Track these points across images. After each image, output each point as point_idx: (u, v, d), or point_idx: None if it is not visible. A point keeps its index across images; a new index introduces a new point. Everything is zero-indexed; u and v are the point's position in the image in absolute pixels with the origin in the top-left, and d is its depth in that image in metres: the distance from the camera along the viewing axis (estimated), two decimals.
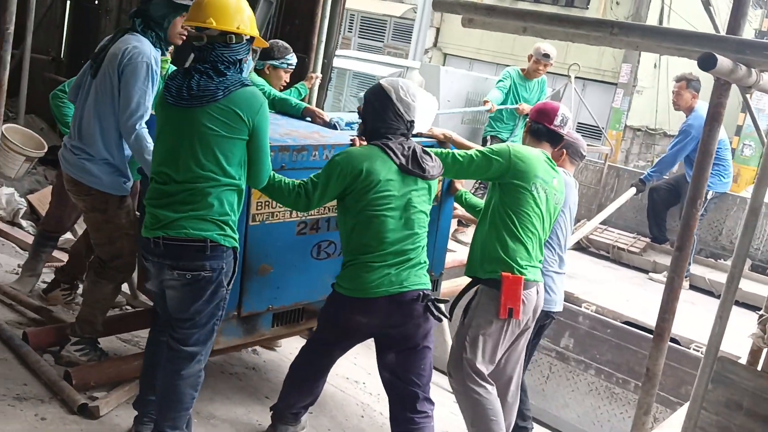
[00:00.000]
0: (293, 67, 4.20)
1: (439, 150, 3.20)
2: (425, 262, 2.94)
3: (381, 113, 2.87)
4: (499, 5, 5.20)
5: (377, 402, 4.13)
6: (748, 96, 3.29)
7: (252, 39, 2.71)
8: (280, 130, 3.22)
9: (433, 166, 2.91)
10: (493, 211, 3.25)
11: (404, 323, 2.84)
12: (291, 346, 4.14)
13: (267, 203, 2.99)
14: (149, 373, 2.84)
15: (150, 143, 2.95)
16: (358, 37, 19.48)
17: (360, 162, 2.76)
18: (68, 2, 7.91)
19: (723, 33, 2.92)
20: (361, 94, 4.12)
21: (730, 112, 11.66)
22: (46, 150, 6.24)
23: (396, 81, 2.96)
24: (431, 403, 2.97)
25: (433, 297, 2.86)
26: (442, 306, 2.90)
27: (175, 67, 3.10)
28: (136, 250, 3.25)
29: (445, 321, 3.46)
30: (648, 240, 6.55)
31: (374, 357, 4.90)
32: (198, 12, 2.60)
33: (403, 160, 2.81)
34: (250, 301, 3.07)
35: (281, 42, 4.13)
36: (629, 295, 5.34)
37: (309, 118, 3.66)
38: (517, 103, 5.94)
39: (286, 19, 5.83)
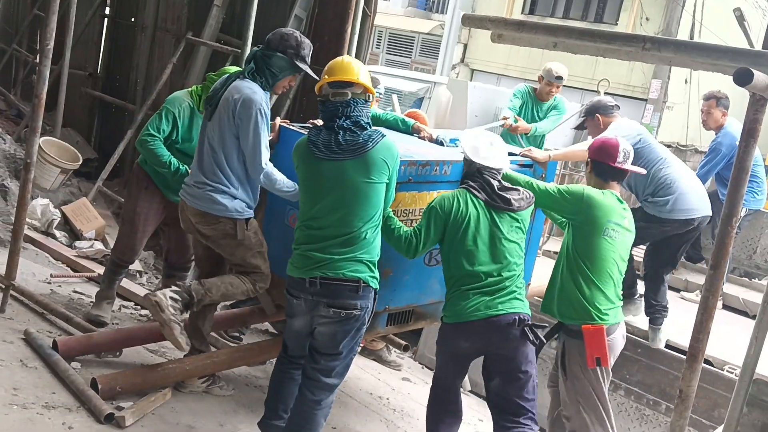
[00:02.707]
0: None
1: (523, 178, 3.40)
2: (521, 289, 3.12)
3: (464, 161, 3.25)
4: (529, 20, 5.11)
5: (401, 419, 4.10)
6: None
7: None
8: (401, 146, 3.45)
9: (520, 198, 3.15)
10: (568, 254, 3.35)
11: (503, 346, 3.04)
12: None
13: (393, 212, 3.22)
14: (274, 398, 3.05)
15: (279, 176, 3.14)
16: (386, 53, 19.60)
17: (450, 203, 3.06)
18: (105, 20, 8.10)
19: (758, 48, 2.86)
20: (389, 109, 4.29)
21: (765, 128, 11.46)
22: (80, 162, 6.38)
23: (467, 132, 3.32)
24: (535, 422, 3.09)
25: (530, 322, 3.05)
26: (538, 331, 3.07)
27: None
28: (269, 264, 3.35)
29: None
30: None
31: (397, 373, 4.91)
32: (345, 70, 2.86)
33: (487, 197, 3.08)
34: None
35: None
36: None
37: (416, 135, 3.92)
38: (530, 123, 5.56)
39: (316, 35, 5.88)
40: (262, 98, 3.11)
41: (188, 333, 3.38)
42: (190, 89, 3.94)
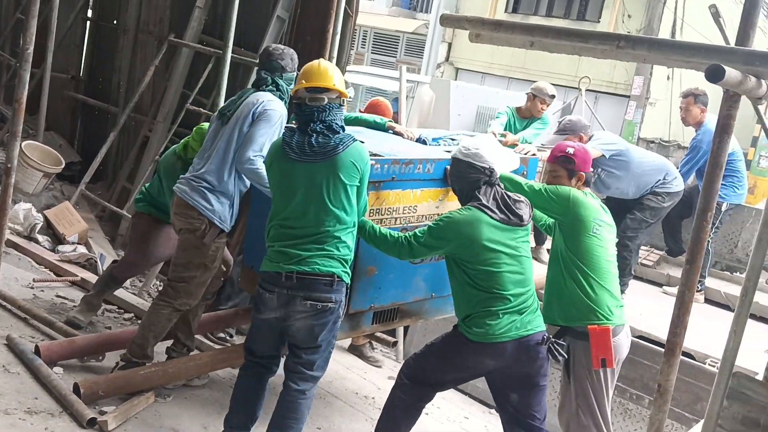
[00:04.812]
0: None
1: (509, 177, 3.42)
2: (538, 302, 3.12)
3: (461, 175, 3.14)
4: (507, 20, 5.14)
5: None
6: (761, 106, 3.25)
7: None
8: (385, 145, 3.52)
9: (527, 211, 3.12)
10: (563, 257, 3.33)
11: (529, 364, 3.03)
12: None
13: (377, 210, 3.28)
14: (241, 404, 3.03)
15: (263, 171, 3.17)
16: (371, 52, 19.61)
17: (462, 227, 2.99)
18: (88, 22, 8.05)
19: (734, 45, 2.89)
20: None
21: (747, 124, 11.58)
22: (63, 166, 6.34)
23: (459, 145, 3.24)
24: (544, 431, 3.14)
25: (553, 338, 3.09)
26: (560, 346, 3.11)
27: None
28: (204, 285, 3.45)
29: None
30: (661, 253, 6.48)
31: (382, 372, 4.92)
32: (321, 76, 2.91)
33: (502, 215, 3.02)
34: (357, 300, 3.30)
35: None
36: (642, 309, 5.26)
37: (392, 132, 3.97)
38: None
39: (298, 35, 5.87)
40: (285, 111, 3.33)
41: (175, 326, 3.56)
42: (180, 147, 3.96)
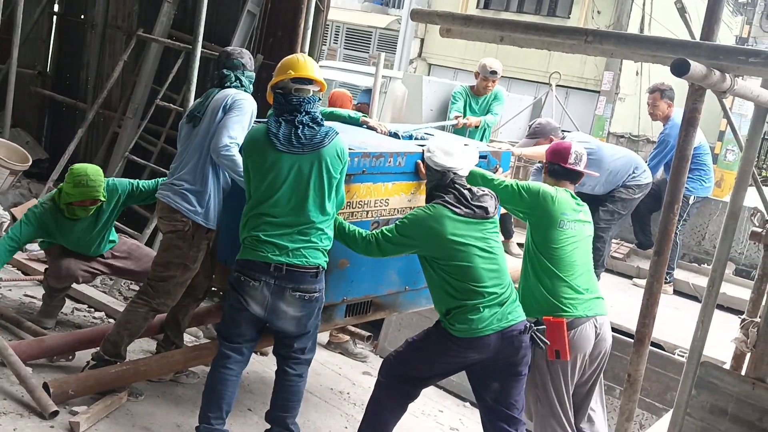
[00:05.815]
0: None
1: (480, 173, 3.46)
2: (516, 292, 3.16)
3: (426, 175, 3.26)
4: (477, 15, 5.18)
5: (361, 412, 4.10)
6: (726, 101, 3.31)
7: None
8: (356, 139, 3.53)
9: (492, 203, 3.15)
10: (529, 252, 3.38)
11: (513, 354, 3.06)
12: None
13: (348, 204, 3.28)
14: (218, 396, 3.01)
15: (239, 159, 3.16)
16: (344, 48, 19.56)
17: (426, 223, 3.03)
18: (54, 17, 7.89)
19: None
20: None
21: (713, 118, 11.81)
22: (30, 163, 6.21)
23: (432, 140, 3.33)
24: (523, 423, 3.17)
25: (536, 327, 3.11)
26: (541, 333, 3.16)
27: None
28: (183, 286, 3.44)
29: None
30: (631, 246, 6.59)
31: (358, 367, 4.92)
32: (308, 68, 3.00)
33: (465, 209, 3.05)
34: (330, 293, 3.30)
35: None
36: (613, 301, 5.32)
37: (365, 126, 3.99)
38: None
39: (269, 31, 5.85)
40: (255, 103, 3.36)
41: (165, 323, 3.62)
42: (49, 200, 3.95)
